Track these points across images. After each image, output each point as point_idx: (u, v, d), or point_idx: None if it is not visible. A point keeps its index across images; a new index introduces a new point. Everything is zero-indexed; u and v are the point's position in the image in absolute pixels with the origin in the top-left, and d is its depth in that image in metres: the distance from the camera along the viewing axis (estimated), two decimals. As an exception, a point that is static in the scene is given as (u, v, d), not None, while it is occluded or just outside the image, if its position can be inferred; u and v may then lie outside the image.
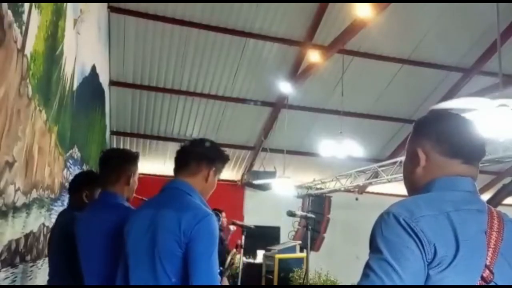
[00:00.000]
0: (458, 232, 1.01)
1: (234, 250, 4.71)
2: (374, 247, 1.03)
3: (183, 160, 1.84)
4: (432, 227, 1.00)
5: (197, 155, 1.83)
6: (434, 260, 0.99)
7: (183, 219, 1.62)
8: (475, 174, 1.17)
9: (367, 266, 1.02)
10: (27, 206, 2.74)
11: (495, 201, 1.33)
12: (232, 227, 6.14)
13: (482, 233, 1.05)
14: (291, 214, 4.15)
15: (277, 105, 8.69)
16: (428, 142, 1.18)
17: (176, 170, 1.85)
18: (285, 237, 9.60)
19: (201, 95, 8.36)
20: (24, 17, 2.40)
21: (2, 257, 2.32)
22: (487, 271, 1.00)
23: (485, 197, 1.24)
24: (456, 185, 1.13)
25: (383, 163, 8.03)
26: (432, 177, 1.16)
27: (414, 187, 1.21)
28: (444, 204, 1.06)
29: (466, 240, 1.01)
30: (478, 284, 0.99)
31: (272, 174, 9.06)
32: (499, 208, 1.17)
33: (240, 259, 4.71)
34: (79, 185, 2.52)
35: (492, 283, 1.00)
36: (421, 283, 0.99)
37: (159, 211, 1.70)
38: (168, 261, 1.63)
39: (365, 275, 1.01)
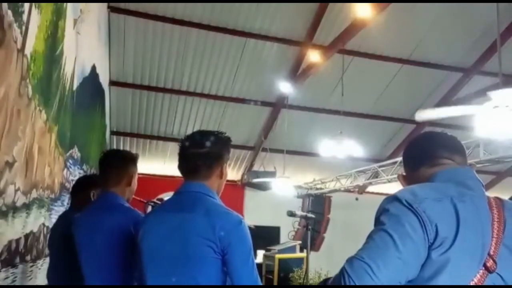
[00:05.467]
0: (460, 215, 1.03)
1: None
2: (377, 222, 1.08)
3: (192, 165, 1.71)
4: (435, 208, 1.04)
5: (206, 158, 1.70)
6: (436, 241, 1.01)
7: (217, 225, 1.56)
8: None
9: (369, 236, 1.06)
10: (27, 206, 2.74)
11: None
12: None
13: (486, 219, 1.07)
14: (291, 214, 4.14)
15: (277, 105, 8.68)
16: (405, 169, 1.35)
17: (187, 173, 1.73)
18: (285, 237, 9.61)
19: (201, 95, 8.36)
20: (24, 17, 2.40)
21: (2, 257, 2.31)
22: (491, 261, 1.01)
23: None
24: (458, 175, 1.18)
25: (383, 163, 8.02)
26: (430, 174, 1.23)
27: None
28: (448, 190, 1.10)
29: (468, 224, 1.03)
30: (481, 273, 1.01)
31: (272, 174, 9.06)
32: None
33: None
34: (85, 186, 2.50)
35: (495, 273, 1.02)
36: (419, 262, 1.01)
37: (184, 215, 1.61)
38: (197, 266, 1.56)
39: (365, 243, 1.05)
